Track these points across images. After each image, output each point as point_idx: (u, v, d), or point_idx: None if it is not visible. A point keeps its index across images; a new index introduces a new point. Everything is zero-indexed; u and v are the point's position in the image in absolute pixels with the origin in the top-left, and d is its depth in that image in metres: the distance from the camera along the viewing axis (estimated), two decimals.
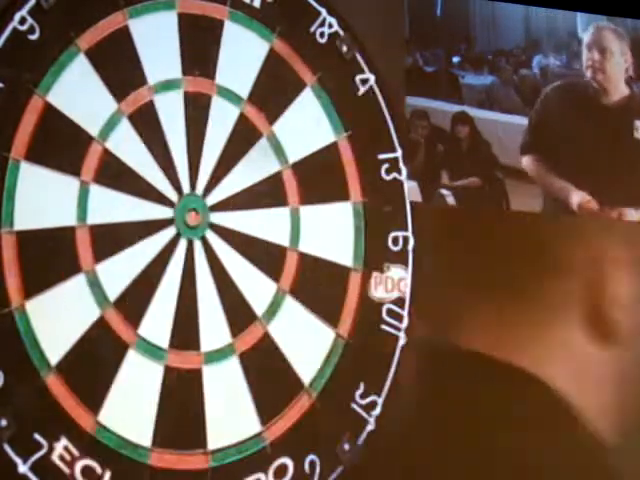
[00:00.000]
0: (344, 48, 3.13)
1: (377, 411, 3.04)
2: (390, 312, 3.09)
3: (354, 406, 3.02)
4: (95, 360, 2.77)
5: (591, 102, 3.53)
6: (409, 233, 3.15)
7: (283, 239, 3.01)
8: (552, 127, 3.47)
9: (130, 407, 2.78)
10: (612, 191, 3.48)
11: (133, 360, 2.80)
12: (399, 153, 3.17)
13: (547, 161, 3.42)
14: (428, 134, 3.30)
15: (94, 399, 2.75)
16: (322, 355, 3.00)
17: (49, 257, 2.75)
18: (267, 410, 2.91)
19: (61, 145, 2.79)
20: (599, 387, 3.31)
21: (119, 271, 2.81)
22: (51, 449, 2.69)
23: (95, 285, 2.78)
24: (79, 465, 2.72)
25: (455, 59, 3.38)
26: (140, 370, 2.81)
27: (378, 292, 3.09)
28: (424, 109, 3.28)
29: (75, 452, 2.72)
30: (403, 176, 3.17)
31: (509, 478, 3.19)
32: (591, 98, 3.53)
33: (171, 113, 2.91)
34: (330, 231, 3.07)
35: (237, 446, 2.88)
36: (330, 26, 3.12)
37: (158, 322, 2.84)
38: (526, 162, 3.41)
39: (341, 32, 3.13)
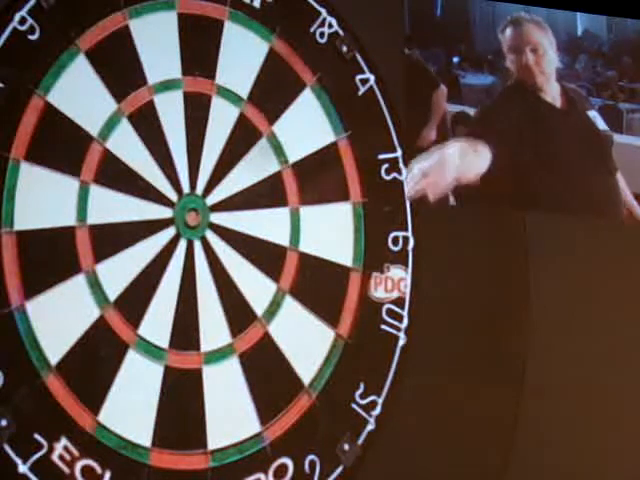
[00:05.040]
0: (344, 48, 3.13)
1: (377, 411, 3.04)
2: (390, 312, 3.09)
3: (354, 406, 3.02)
4: (95, 360, 2.77)
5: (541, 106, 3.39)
6: (409, 233, 3.14)
7: (283, 239, 3.01)
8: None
9: (130, 407, 2.78)
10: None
11: (133, 360, 2.81)
12: (399, 153, 3.17)
13: None
14: None
15: (94, 399, 2.75)
16: (322, 355, 3.00)
17: (49, 257, 2.75)
18: (267, 410, 2.92)
19: (61, 145, 2.79)
20: None
21: (119, 271, 2.82)
22: (51, 449, 2.69)
23: (95, 285, 2.79)
24: (79, 465, 2.72)
25: (455, 59, 3.38)
26: (140, 370, 2.81)
27: (378, 292, 3.09)
28: None
29: (75, 452, 2.72)
30: (403, 176, 3.17)
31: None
32: (543, 103, 3.40)
33: (171, 113, 2.91)
34: (330, 231, 3.07)
35: (237, 446, 2.88)
36: (330, 26, 3.12)
37: (158, 322, 2.84)
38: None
39: (341, 32, 3.13)
